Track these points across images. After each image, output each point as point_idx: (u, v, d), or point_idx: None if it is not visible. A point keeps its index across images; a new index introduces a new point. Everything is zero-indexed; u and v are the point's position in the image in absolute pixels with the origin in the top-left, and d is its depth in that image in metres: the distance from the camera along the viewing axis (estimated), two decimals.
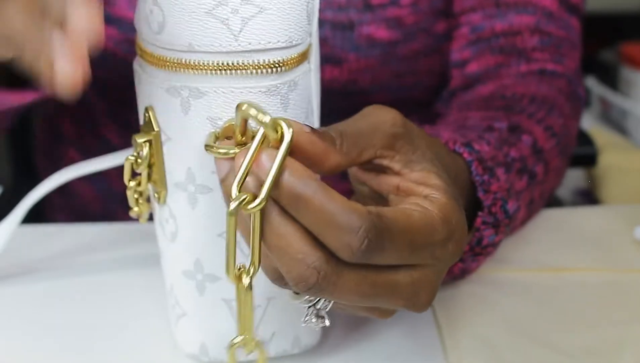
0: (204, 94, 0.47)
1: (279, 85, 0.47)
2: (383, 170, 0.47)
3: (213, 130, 0.47)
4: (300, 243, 0.41)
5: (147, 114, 0.49)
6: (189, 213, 0.51)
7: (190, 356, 0.55)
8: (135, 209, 0.55)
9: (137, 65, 0.50)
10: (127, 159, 0.51)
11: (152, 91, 0.48)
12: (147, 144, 0.50)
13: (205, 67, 0.46)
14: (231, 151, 0.43)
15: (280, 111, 0.48)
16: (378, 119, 0.46)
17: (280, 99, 0.47)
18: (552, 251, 0.68)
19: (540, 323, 0.59)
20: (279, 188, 0.41)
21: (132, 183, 0.52)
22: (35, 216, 0.92)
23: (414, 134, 0.47)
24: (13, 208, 0.59)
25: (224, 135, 0.47)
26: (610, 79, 1.43)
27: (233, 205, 0.41)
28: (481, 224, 0.57)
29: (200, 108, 0.47)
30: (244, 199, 0.41)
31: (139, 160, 0.50)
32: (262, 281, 0.48)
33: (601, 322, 0.59)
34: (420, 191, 0.45)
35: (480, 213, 0.57)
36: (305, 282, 0.41)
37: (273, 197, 0.41)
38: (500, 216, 0.57)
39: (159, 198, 0.52)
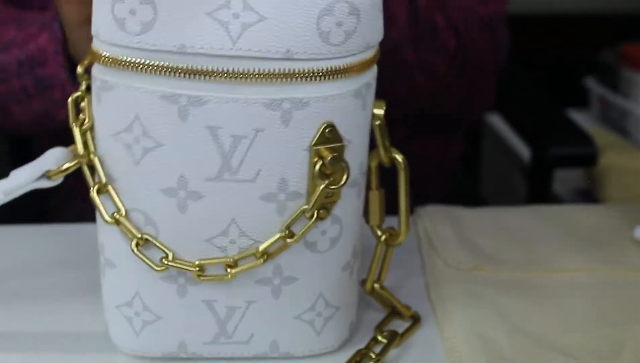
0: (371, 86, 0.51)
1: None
2: None
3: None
4: None
5: (328, 129, 0.49)
6: (356, 204, 0.53)
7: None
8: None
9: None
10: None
11: (329, 105, 0.49)
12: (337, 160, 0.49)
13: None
14: None
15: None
16: None
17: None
18: (551, 251, 0.68)
19: (540, 323, 0.59)
20: None
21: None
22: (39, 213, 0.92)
23: None
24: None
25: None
26: (610, 79, 1.43)
27: None
28: None
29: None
30: None
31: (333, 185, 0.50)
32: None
33: (600, 321, 0.59)
34: None
35: None
36: None
37: None
38: None
39: (324, 216, 0.51)
